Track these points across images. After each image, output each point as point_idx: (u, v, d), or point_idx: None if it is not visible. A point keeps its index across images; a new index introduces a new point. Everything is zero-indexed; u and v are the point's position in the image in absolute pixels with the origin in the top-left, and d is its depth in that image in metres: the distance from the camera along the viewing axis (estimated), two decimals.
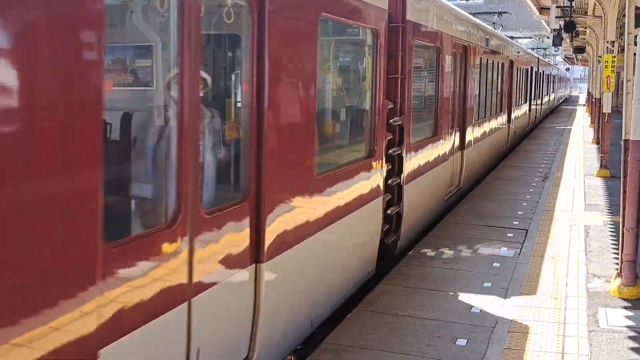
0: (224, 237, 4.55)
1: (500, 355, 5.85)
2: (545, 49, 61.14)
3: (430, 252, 9.03)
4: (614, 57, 16.71)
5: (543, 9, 26.91)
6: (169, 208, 4.09)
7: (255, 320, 5.01)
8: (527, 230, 10.51)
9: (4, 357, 2.88)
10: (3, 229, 2.88)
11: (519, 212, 11.85)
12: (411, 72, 8.92)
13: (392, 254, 8.70)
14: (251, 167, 4.87)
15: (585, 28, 28.66)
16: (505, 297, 7.32)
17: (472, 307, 7.00)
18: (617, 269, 7.73)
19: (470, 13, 15.68)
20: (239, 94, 5.09)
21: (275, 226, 5.11)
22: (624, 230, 7.55)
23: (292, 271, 5.49)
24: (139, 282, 3.74)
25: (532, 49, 51.37)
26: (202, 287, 4.33)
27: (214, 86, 5.06)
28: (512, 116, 21.07)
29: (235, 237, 4.70)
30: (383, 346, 5.97)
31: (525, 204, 12.61)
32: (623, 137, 7.77)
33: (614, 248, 9.26)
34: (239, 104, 5.07)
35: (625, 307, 7.06)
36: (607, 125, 16.97)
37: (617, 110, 20.59)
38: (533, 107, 29.78)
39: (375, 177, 7.52)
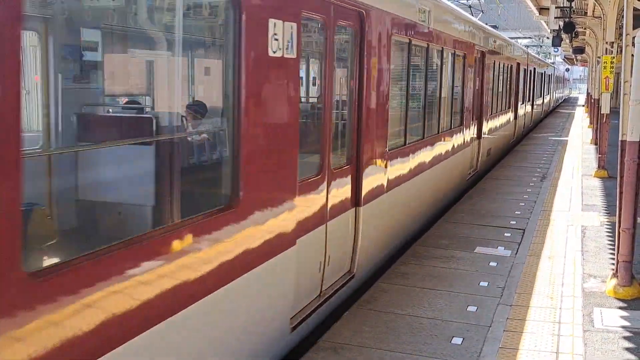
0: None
1: (496, 354, 5.90)
2: (541, 46, 61.07)
3: (428, 251, 9.07)
4: (613, 58, 16.75)
5: (542, 10, 26.95)
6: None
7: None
8: (524, 230, 10.56)
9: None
10: None
11: (516, 212, 11.90)
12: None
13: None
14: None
15: (585, 29, 28.68)
16: (501, 297, 7.36)
17: (468, 306, 7.05)
18: (613, 269, 7.78)
19: None
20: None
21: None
22: (620, 231, 7.60)
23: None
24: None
25: (529, 45, 50.82)
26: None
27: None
28: (481, 132, 15.82)
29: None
30: (380, 344, 6.02)
31: (523, 204, 12.66)
32: (620, 138, 7.81)
33: (610, 248, 9.31)
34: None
35: (621, 308, 7.11)
36: (605, 126, 17.02)
37: (616, 111, 20.62)
38: (521, 112, 24.99)
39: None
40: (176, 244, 4.09)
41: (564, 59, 70.16)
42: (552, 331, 6.43)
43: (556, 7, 23.37)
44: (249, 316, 5.07)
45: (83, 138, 5.14)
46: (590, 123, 29.85)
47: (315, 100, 7.25)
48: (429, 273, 8.13)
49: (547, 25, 29.45)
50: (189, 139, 5.44)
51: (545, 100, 40.87)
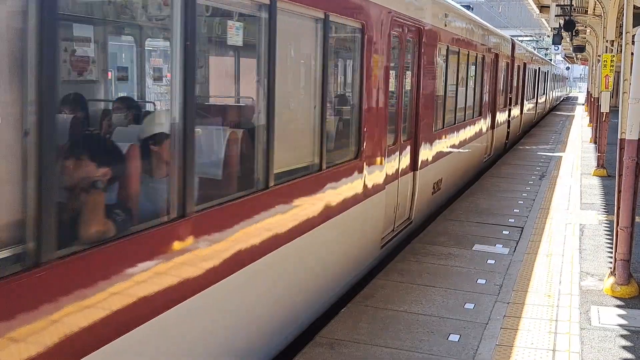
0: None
1: (492, 351, 5.90)
2: (537, 41, 60.89)
3: (426, 248, 9.07)
4: (613, 56, 16.73)
5: (543, 8, 26.93)
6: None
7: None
8: (522, 228, 10.56)
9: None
10: None
11: (515, 210, 11.89)
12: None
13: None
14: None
15: (586, 27, 28.66)
16: (498, 294, 7.36)
17: (465, 303, 7.05)
18: (610, 268, 7.77)
19: None
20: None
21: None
22: (618, 230, 7.59)
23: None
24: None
25: (529, 43, 49.94)
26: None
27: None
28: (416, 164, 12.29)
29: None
30: (377, 340, 6.02)
31: (522, 202, 12.65)
32: (619, 136, 7.80)
33: (608, 247, 9.31)
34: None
35: (618, 306, 7.11)
36: (604, 125, 17.01)
37: (615, 110, 20.60)
38: (501, 117, 19.38)
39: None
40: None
41: (564, 58, 70.13)
42: (549, 329, 6.43)
43: (557, 5, 23.36)
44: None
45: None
46: (590, 122, 29.84)
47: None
48: (426, 270, 8.13)
49: (548, 23, 29.45)
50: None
51: (540, 101, 35.87)
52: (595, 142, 21.36)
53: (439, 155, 11.09)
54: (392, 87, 8.44)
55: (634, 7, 10.92)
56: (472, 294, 7.33)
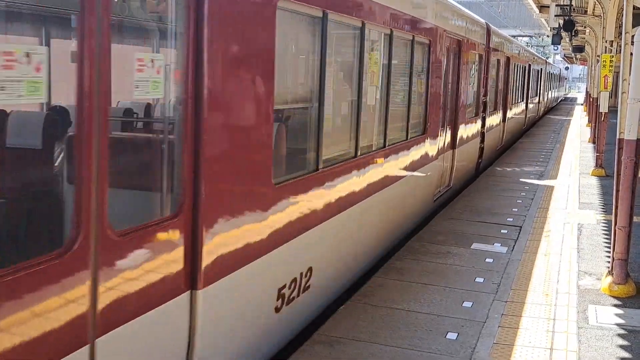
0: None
1: (490, 349, 5.92)
2: (534, 37, 60.81)
3: (424, 247, 9.09)
4: (612, 56, 16.76)
5: (543, 7, 26.96)
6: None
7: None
8: (520, 227, 10.58)
9: None
10: None
11: (513, 209, 11.92)
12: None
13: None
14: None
15: (585, 27, 28.70)
16: (496, 293, 7.39)
17: (463, 301, 7.07)
18: (608, 267, 7.80)
19: None
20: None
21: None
22: (616, 229, 7.62)
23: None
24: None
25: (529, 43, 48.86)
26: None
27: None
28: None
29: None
30: (375, 338, 6.04)
31: (520, 201, 12.68)
32: (617, 136, 7.83)
33: (606, 246, 9.34)
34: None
35: (615, 305, 7.14)
36: (603, 125, 17.04)
37: (614, 110, 20.62)
38: (467, 132, 14.07)
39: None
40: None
41: (563, 58, 70.18)
42: (546, 327, 6.46)
43: (556, 5, 23.38)
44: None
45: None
46: (589, 122, 29.87)
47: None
48: (425, 268, 8.15)
49: (547, 23, 29.46)
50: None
51: (532, 106, 29.65)
52: (593, 142, 21.40)
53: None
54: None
55: (634, 7, 10.94)
56: (470, 293, 7.36)
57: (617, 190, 7.70)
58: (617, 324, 6.60)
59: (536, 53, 36.45)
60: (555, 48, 47.37)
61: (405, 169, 9.17)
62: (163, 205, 4.23)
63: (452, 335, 6.19)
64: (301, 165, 6.12)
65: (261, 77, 4.85)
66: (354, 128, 7.15)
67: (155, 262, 3.88)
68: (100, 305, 3.47)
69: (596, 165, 16.70)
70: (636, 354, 5.94)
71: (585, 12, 24.56)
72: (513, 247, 9.33)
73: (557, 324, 6.55)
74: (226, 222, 4.47)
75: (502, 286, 7.62)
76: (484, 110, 15.99)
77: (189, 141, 4.10)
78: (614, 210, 7.79)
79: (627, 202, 7.53)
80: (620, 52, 12.33)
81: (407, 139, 9.21)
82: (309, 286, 6.04)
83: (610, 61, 16.44)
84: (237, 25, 4.50)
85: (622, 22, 12.11)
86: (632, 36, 9.20)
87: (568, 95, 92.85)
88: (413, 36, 9.08)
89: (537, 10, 28.54)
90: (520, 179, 15.46)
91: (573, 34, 27.20)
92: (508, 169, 17.09)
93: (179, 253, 4.09)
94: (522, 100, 25.40)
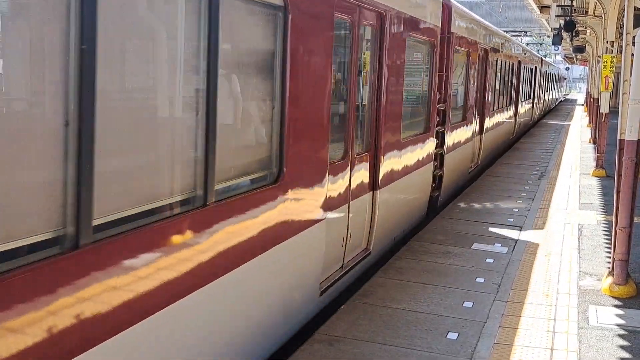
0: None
1: (490, 349, 5.93)
2: (541, 44, 60.78)
3: (424, 247, 9.09)
4: (613, 57, 16.77)
5: (544, 8, 26.96)
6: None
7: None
8: (521, 227, 10.58)
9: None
10: None
11: (514, 209, 11.92)
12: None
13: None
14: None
15: (586, 28, 28.70)
16: (497, 293, 7.39)
17: (464, 301, 7.07)
18: (609, 268, 7.80)
19: None
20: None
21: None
22: (617, 230, 7.61)
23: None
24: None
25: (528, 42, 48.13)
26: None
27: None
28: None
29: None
30: (376, 338, 6.04)
31: (521, 201, 12.68)
32: (618, 137, 7.83)
33: (606, 247, 9.33)
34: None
35: (616, 306, 7.14)
36: (604, 125, 17.04)
37: (615, 111, 20.62)
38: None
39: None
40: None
41: (564, 58, 70.20)
42: (547, 328, 6.46)
43: (557, 6, 23.38)
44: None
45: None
46: (589, 122, 29.87)
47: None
48: (425, 268, 8.15)
49: (548, 23, 29.46)
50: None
51: (523, 111, 26.58)
52: (594, 143, 21.40)
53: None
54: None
55: (635, 8, 10.95)
56: (470, 293, 7.36)
57: (618, 191, 7.69)
58: (618, 325, 6.60)
59: (529, 49, 32.09)
60: (556, 48, 47.36)
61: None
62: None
63: (452, 335, 6.19)
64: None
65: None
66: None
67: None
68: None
69: (597, 166, 16.70)
70: (636, 355, 5.95)
71: (586, 12, 24.56)
72: (513, 248, 9.33)
73: (558, 324, 6.55)
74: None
75: (503, 286, 7.62)
76: (443, 123, 11.63)
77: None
78: (614, 211, 7.79)
79: (627, 202, 7.53)
80: (621, 52, 12.34)
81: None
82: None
83: (611, 62, 16.45)
84: None
85: (623, 23, 12.12)
86: (633, 37, 9.21)
87: (568, 97, 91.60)
88: None
89: (537, 11, 28.53)
90: (521, 179, 15.46)
91: (574, 34, 27.19)
92: (509, 169, 17.11)
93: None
94: (510, 105, 22.08)
